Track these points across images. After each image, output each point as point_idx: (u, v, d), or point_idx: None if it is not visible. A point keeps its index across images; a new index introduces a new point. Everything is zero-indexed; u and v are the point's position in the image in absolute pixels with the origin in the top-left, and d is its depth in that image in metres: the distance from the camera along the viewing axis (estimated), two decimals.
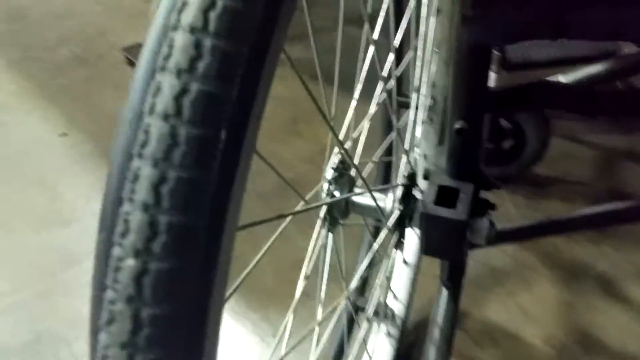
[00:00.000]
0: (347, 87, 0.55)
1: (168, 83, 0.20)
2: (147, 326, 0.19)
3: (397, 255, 0.64)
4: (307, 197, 0.47)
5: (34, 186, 1.17)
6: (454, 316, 0.66)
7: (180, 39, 0.20)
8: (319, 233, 0.53)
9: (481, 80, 0.47)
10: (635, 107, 0.50)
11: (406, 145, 0.58)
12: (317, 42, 0.46)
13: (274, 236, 0.43)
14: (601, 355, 0.84)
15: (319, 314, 0.52)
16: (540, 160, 1.07)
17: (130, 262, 0.19)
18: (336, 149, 0.53)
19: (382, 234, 0.55)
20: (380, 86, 0.53)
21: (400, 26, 0.54)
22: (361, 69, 0.53)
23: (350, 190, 0.55)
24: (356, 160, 0.56)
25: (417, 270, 0.82)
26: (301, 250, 0.51)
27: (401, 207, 0.54)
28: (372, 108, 0.54)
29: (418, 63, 0.57)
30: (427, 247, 0.55)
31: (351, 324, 0.80)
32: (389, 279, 0.64)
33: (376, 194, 0.55)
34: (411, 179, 0.55)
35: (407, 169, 0.56)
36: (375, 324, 0.73)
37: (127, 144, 0.20)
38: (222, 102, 0.19)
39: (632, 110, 0.50)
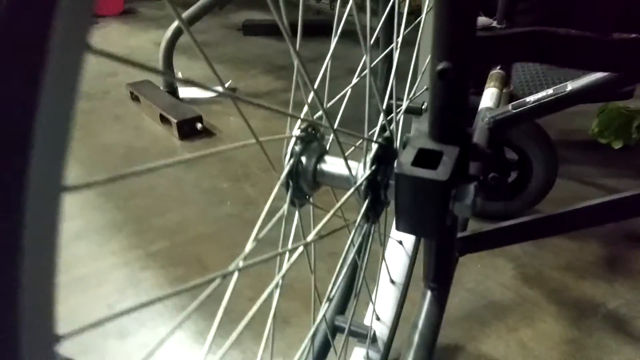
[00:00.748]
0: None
1: None
2: None
3: (372, 232, 0.56)
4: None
5: None
6: (438, 322, 0.57)
7: None
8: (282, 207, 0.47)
9: (468, 20, 0.42)
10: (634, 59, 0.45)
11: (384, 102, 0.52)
12: None
13: None
14: None
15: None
16: (546, 195, 1.01)
17: None
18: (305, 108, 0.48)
19: (359, 216, 0.48)
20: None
21: None
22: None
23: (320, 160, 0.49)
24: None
25: (405, 290, 0.73)
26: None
27: (374, 168, 0.47)
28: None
29: None
30: (403, 220, 0.48)
31: (326, 347, 0.70)
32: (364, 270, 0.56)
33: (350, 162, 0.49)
34: (388, 142, 0.49)
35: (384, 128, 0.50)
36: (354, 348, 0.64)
37: None
38: None
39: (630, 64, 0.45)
